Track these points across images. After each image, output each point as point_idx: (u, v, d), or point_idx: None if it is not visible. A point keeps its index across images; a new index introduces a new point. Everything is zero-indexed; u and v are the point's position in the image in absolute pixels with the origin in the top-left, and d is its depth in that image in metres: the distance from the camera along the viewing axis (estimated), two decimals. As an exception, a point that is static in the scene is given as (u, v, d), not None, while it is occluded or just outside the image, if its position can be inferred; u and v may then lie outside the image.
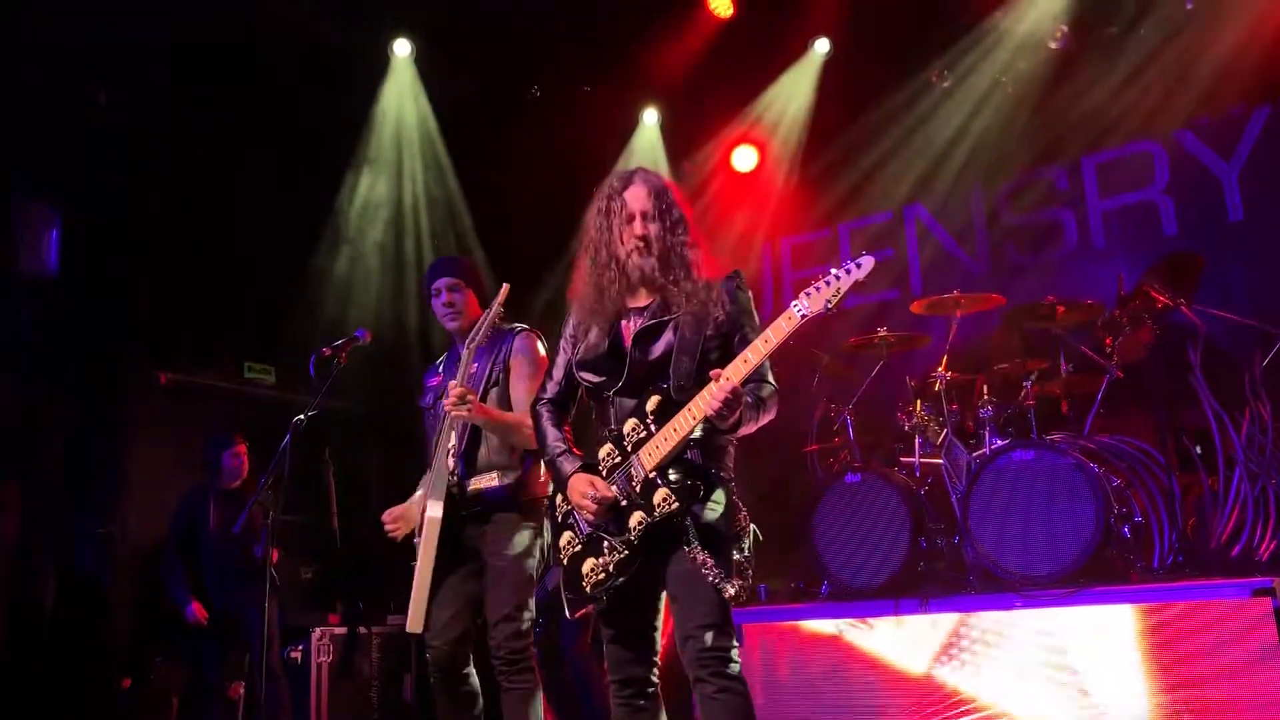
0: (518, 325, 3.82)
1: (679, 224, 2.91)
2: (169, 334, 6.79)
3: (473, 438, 3.65)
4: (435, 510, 3.55)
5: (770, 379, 2.83)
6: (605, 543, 2.78)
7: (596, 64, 7.39)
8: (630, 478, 2.75)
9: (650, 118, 7.97)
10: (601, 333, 2.88)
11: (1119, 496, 4.59)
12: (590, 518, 2.78)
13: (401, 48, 7.21)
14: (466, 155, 7.70)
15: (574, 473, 2.85)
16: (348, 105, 7.24)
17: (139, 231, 6.65)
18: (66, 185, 6.30)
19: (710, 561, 2.64)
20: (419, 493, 3.74)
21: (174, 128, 6.64)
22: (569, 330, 3.00)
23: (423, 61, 7.32)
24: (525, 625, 3.61)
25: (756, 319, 2.91)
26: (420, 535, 3.60)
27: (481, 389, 3.64)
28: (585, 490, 2.77)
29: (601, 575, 2.77)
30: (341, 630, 6.37)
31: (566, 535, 2.89)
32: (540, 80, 7.57)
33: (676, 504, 2.68)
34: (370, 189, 7.51)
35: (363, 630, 6.44)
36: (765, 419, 2.82)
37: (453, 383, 3.49)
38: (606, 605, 2.81)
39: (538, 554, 3.71)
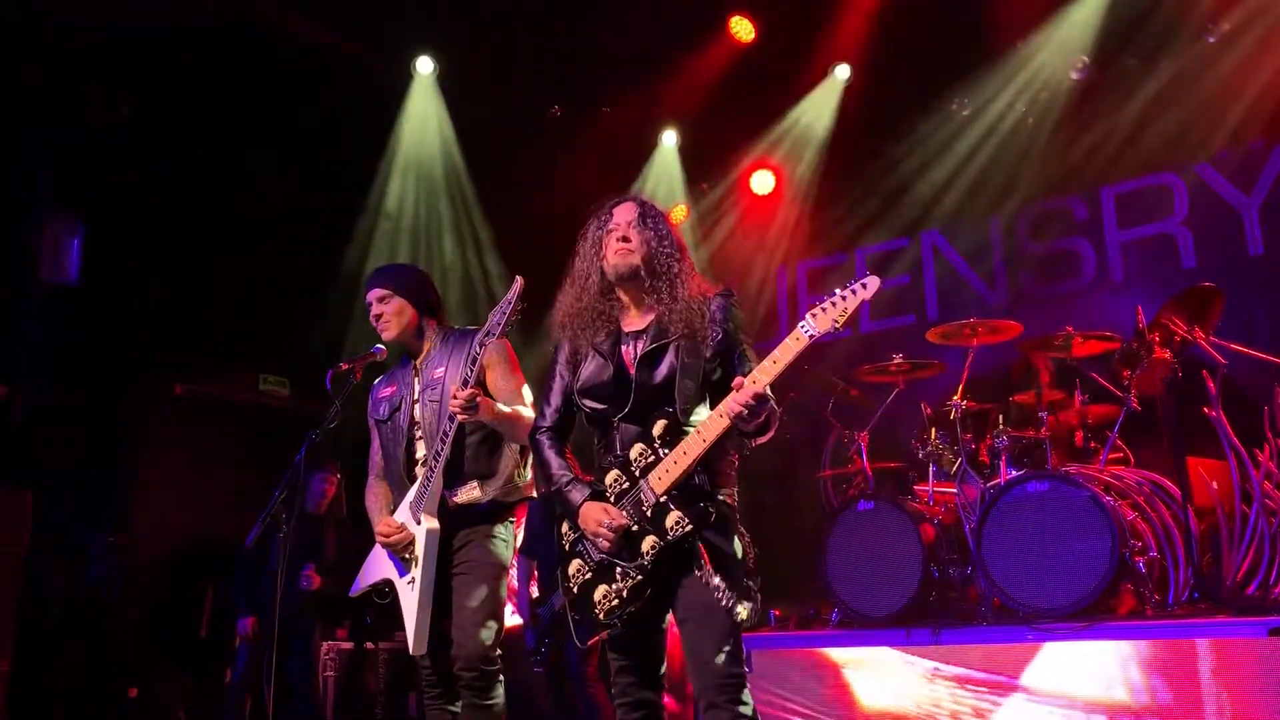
0: (473, 328, 3.64)
1: (665, 236, 2.95)
2: (185, 345, 6.82)
3: (455, 447, 3.54)
4: (433, 522, 3.50)
5: (772, 402, 2.81)
6: (617, 569, 2.77)
7: (617, 85, 7.43)
8: (640, 503, 2.75)
9: (669, 139, 8.01)
10: (603, 359, 2.89)
11: (1134, 531, 4.56)
12: (606, 545, 2.76)
13: (424, 65, 7.26)
14: (486, 172, 7.75)
15: (584, 501, 2.83)
16: (370, 121, 7.30)
17: (158, 243, 6.70)
18: (89, 196, 6.35)
19: (723, 585, 2.64)
20: (406, 500, 3.62)
21: (198, 142, 6.70)
22: (563, 357, 3.00)
23: (445, 79, 7.37)
24: (494, 637, 3.48)
25: (748, 338, 2.94)
26: (416, 552, 3.53)
27: (469, 361, 3.44)
28: (600, 519, 2.76)
29: (615, 602, 2.75)
30: (348, 645, 6.37)
31: (575, 564, 2.86)
32: (561, 100, 7.62)
33: (690, 526, 2.68)
34: (390, 204, 7.55)
35: (369, 646, 6.43)
36: (767, 436, 2.81)
37: (455, 387, 3.39)
38: (617, 631, 2.79)
39: (508, 562, 3.62)
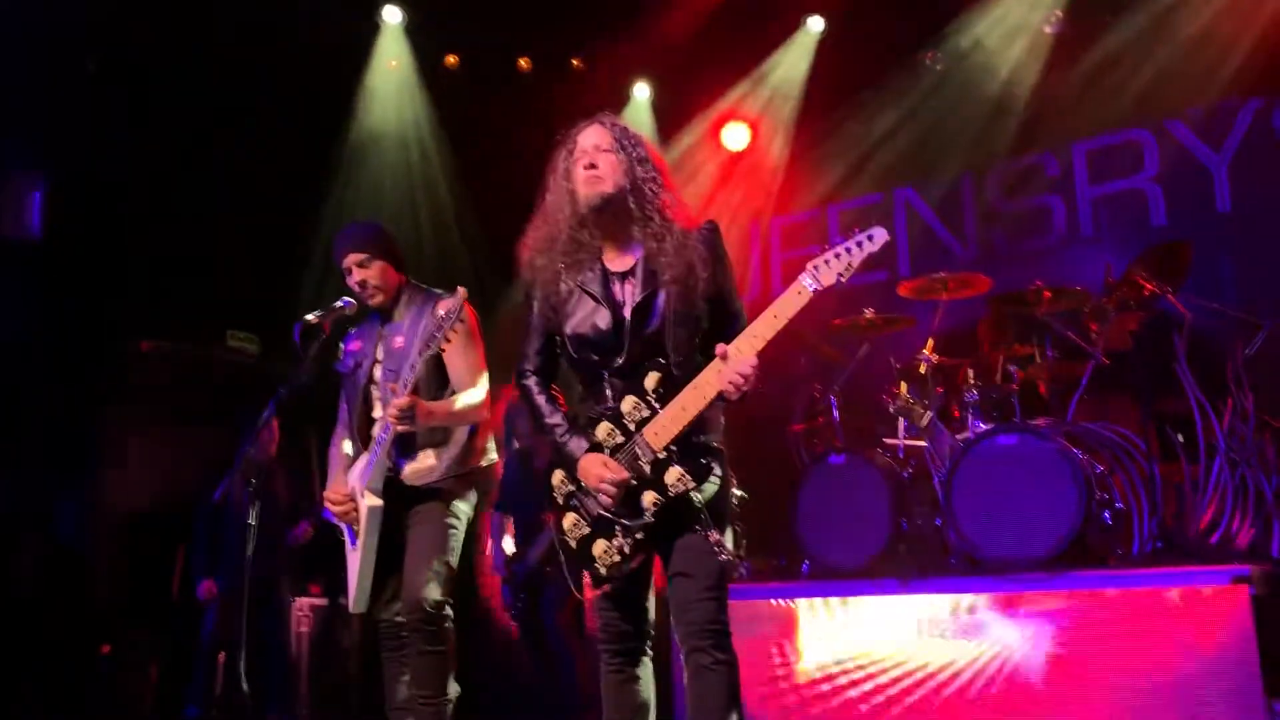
0: (439, 291, 3.58)
1: (641, 160, 2.76)
2: (151, 301, 6.72)
3: None
4: (375, 500, 3.53)
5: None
6: (617, 525, 2.69)
7: (588, 36, 7.33)
8: (637, 457, 2.67)
9: (641, 93, 7.92)
10: (594, 301, 2.74)
11: (1101, 483, 4.62)
12: (609, 500, 2.68)
13: (392, 15, 7.13)
14: (456, 126, 7.64)
15: (585, 453, 2.73)
16: (337, 72, 7.17)
17: (122, 197, 6.57)
18: (51, 149, 6.21)
19: (724, 542, 2.64)
20: (355, 469, 3.64)
21: (161, 93, 6.56)
22: (540, 297, 2.81)
23: (412, 30, 7.24)
24: (442, 584, 3.52)
25: (733, 272, 2.82)
26: (359, 522, 3.57)
27: (409, 367, 3.44)
28: (602, 474, 2.66)
29: (617, 558, 2.69)
30: (322, 602, 6.37)
31: (570, 518, 2.77)
32: (531, 52, 7.51)
33: (692, 482, 2.62)
34: (358, 157, 7.43)
35: (343, 602, 6.42)
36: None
37: (393, 387, 3.36)
38: (620, 586, 2.75)
39: (463, 522, 3.65)
